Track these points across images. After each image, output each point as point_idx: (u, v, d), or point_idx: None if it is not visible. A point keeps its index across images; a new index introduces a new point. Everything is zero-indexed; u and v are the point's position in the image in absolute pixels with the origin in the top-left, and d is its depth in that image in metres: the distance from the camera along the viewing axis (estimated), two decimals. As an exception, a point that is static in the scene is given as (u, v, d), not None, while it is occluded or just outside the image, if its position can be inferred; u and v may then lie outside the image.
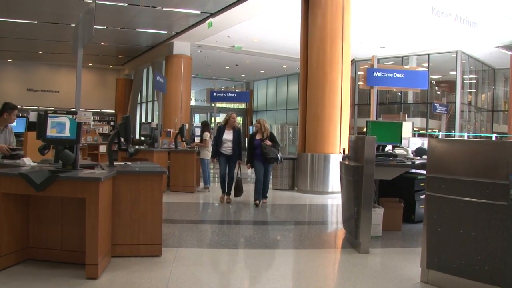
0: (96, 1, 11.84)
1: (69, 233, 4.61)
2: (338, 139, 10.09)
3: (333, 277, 4.82)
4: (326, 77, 10.14)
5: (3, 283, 4.07)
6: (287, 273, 4.82)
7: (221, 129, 8.54)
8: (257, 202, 8.35)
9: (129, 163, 6.08)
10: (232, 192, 8.65)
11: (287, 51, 18.05)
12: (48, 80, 25.24)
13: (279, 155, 8.23)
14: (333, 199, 9.57)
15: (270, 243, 5.83)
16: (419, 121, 20.34)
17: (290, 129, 22.92)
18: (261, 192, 8.41)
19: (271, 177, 8.99)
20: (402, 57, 19.75)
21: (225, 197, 8.69)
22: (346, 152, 6.18)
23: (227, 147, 8.43)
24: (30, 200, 4.70)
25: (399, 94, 20.74)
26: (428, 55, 19.12)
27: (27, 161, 5.43)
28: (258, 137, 8.33)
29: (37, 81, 25.08)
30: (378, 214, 5.91)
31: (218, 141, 8.44)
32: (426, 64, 19.38)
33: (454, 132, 18.31)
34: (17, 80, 24.76)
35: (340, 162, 6.33)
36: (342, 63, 10.13)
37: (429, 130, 19.51)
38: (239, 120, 30.75)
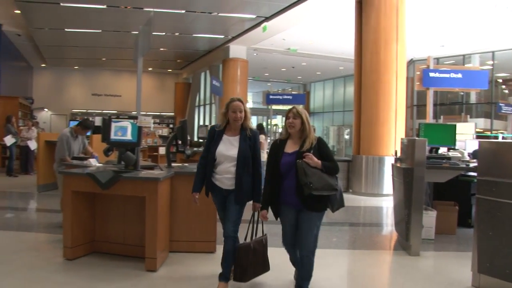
0: (156, 9, 12.46)
1: (130, 228, 4.96)
2: (393, 141, 9.98)
3: (381, 278, 4.87)
4: (380, 79, 10.07)
5: (74, 271, 4.51)
6: (338, 272, 4.94)
7: (215, 134, 4.07)
8: None
9: (186, 164, 6.42)
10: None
11: (343, 52, 17.93)
12: (111, 85, 26.41)
13: (338, 184, 3.69)
14: (387, 201, 9.48)
15: (324, 244, 5.89)
16: (482, 122, 19.53)
17: (347, 131, 22.69)
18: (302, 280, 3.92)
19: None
20: (464, 55, 19.06)
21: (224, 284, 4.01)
22: (398, 154, 6.17)
23: (226, 172, 3.95)
24: (96, 198, 5.12)
25: (461, 94, 20.04)
26: (493, 52, 18.31)
27: (93, 162, 5.89)
28: (290, 148, 3.78)
29: (101, 86, 26.31)
30: (430, 217, 5.87)
31: (208, 159, 4.03)
32: (491, 62, 18.60)
33: (522, 134, 17.45)
34: (83, 86, 26.13)
35: (392, 164, 6.33)
36: (397, 64, 10.02)
37: (494, 132, 18.70)
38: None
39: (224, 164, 3.97)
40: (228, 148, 3.97)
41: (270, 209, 3.86)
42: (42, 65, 24.54)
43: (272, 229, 3.81)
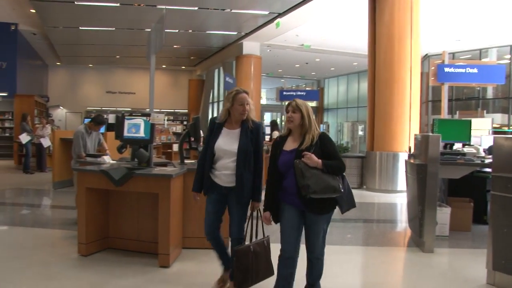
0: (168, 7, 12.51)
1: (144, 225, 5.00)
2: (407, 137, 9.89)
3: (395, 275, 4.84)
4: (394, 75, 9.98)
5: (89, 266, 4.57)
6: (351, 268, 4.93)
7: (215, 127, 3.80)
8: None
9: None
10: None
11: (357, 47, 17.81)
12: (125, 83, 26.53)
13: (341, 185, 3.29)
14: (401, 197, 9.40)
15: (338, 240, 5.89)
16: (499, 118, 19.24)
17: (361, 127, 22.54)
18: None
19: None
20: (480, 50, 18.78)
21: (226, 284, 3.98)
22: (412, 150, 6.11)
23: (225, 168, 3.68)
24: (110, 195, 5.16)
25: (478, 89, 19.76)
26: (511, 46, 18.03)
27: (107, 159, 5.95)
28: (289, 146, 3.45)
29: (115, 83, 26.45)
30: (444, 213, 5.81)
31: (206, 154, 3.76)
32: (508, 56, 18.30)
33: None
34: (97, 83, 26.35)
35: (405, 160, 6.29)
36: (411, 59, 9.91)
37: (511, 127, 18.41)
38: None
39: (223, 160, 3.67)
40: (228, 142, 3.66)
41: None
42: (57, 64, 24.80)
43: (273, 226, 3.55)
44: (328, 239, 5.37)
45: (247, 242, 3.64)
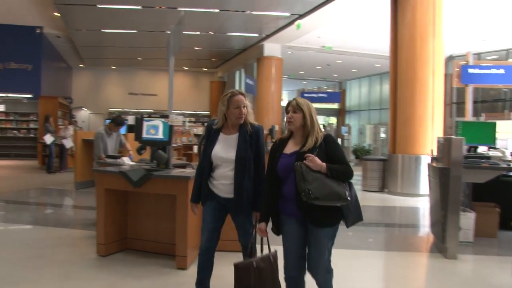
0: (189, 9, 12.57)
1: (162, 226, 5.00)
2: (430, 140, 9.70)
3: (416, 281, 4.72)
4: (417, 76, 9.81)
5: (106, 267, 4.61)
6: (372, 274, 4.82)
7: (212, 132, 3.51)
8: None
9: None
10: None
11: (379, 49, 17.60)
12: (147, 85, 26.74)
13: (347, 193, 2.86)
14: (424, 201, 9.22)
15: (358, 244, 5.80)
16: (528, 120, 18.75)
17: (383, 129, 22.27)
18: None
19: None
20: (507, 50, 18.35)
21: None
22: (434, 153, 5.98)
23: (224, 177, 3.40)
24: (128, 196, 5.18)
25: (505, 90, 19.31)
26: (540, 46, 17.57)
27: (126, 160, 5.97)
28: (290, 148, 3.10)
29: (137, 85, 26.69)
30: (468, 218, 5.65)
31: (204, 161, 3.50)
32: (539, 57, 17.84)
33: None
34: (120, 85, 26.65)
35: (428, 164, 6.15)
36: (433, 60, 9.73)
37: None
38: (327, 120, 30.29)
39: (221, 168, 3.37)
40: (225, 149, 3.37)
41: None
42: (81, 66, 25.21)
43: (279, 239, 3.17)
44: (349, 243, 5.29)
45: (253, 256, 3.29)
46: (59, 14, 14.56)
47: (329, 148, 2.97)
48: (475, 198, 6.49)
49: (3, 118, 18.14)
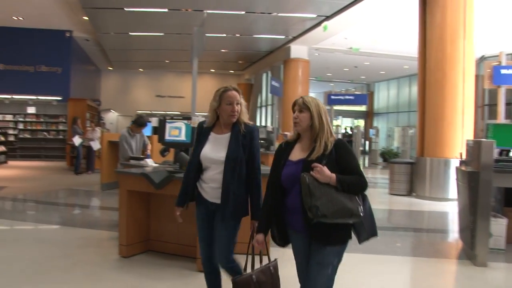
0: (215, 11, 12.60)
1: (184, 228, 4.96)
2: (460, 143, 9.45)
3: (444, 289, 4.56)
4: (446, 78, 9.57)
5: (128, 268, 4.63)
6: (398, 280, 4.69)
7: (202, 132, 3.25)
8: None
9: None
10: None
11: (408, 50, 17.29)
12: (174, 87, 26.97)
13: (360, 208, 2.49)
14: (453, 206, 8.99)
15: (385, 249, 5.67)
16: None
17: (412, 131, 21.85)
18: None
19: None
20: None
21: None
22: (463, 156, 5.78)
23: (212, 180, 3.11)
24: (151, 197, 5.18)
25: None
26: None
27: (150, 162, 5.99)
28: (296, 155, 2.71)
29: (164, 88, 26.96)
30: (500, 225, 5.44)
31: (192, 163, 3.21)
32: None
33: None
34: (147, 88, 26.97)
35: (456, 167, 5.96)
36: (464, 61, 9.47)
37: None
38: (355, 123, 29.92)
39: (210, 170, 3.08)
40: (215, 149, 3.08)
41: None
42: (109, 68, 25.65)
43: (285, 252, 2.94)
44: (375, 248, 5.17)
45: (249, 270, 2.97)
46: (87, 18, 14.83)
47: (340, 155, 2.59)
48: (507, 203, 6.25)
49: (34, 120, 18.58)
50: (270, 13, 13.70)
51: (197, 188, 3.16)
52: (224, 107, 3.06)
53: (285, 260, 3.29)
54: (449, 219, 8.27)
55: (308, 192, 2.44)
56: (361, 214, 2.46)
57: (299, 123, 2.65)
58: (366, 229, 2.58)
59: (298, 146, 2.72)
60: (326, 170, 2.46)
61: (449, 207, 9.01)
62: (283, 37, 17.09)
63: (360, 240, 2.63)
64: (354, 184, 2.50)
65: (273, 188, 2.72)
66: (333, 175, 2.47)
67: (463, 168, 5.50)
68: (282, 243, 2.77)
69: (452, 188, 9.41)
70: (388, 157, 18.44)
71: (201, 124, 3.26)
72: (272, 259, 3.03)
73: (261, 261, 3.00)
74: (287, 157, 2.70)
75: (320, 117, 2.62)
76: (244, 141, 3.06)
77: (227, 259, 3.07)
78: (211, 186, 3.08)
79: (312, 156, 2.56)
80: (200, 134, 3.22)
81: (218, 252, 3.10)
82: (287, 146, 2.75)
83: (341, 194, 2.46)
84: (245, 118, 3.13)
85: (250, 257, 3.01)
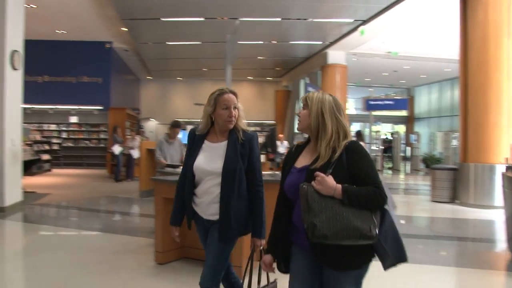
0: (252, 18, 12.64)
1: (218, 236, 4.94)
2: (505, 147, 9.06)
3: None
4: (490, 79, 9.24)
5: (163, 275, 4.66)
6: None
7: (195, 141, 2.89)
8: None
9: (277, 172, 6.30)
10: None
11: (449, 53, 16.84)
12: (212, 95, 27.18)
13: (374, 228, 1.99)
14: (499, 214, 8.60)
15: (427, 259, 5.46)
16: None
17: (454, 135, 21.21)
18: None
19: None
20: None
21: None
22: (510, 162, 5.52)
23: (207, 194, 2.74)
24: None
25: None
26: None
27: (185, 169, 5.99)
28: (302, 161, 2.29)
29: (203, 96, 26.50)
30: (551, 233, 5.16)
31: (185, 176, 2.86)
32: None
33: None
34: (186, 96, 27.28)
35: (502, 173, 5.69)
36: (508, 63, 9.12)
37: None
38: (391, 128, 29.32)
39: (205, 183, 2.72)
40: (210, 159, 2.72)
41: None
42: (148, 78, 26.15)
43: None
44: (417, 257, 4.98)
45: None
46: (126, 29, 15.17)
47: (353, 160, 2.11)
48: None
49: (76, 129, 19.20)
50: (305, 19, 13.61)
51: (191, 205, 2.80)
52: (220, 112, 2.75)
53: (285, 281, 3.08)
54: (495, 228, 7.92)
55: (306, 206, 2.02)
56: (374, 235, 1.99)
57: (299, 122, 2.30)
58: (390, 253, 2.08)
59: (307, 150, 2.32)
60: (329, 180, 2.03)
61: (495, 215, 8.62)
62: (320, 42, 16.95)
63: (385, 266, 2.13)
64: (366, 197, 2.02)
65: (279, 201, 2.36)
66: (338, 185, 2.02)
67: (509, 174, 5.25)
68: (284, 269, 2.34)
69: (498, 195, 9.02)
70: (430, 163, 17.98)
71: (193, 131, 2.91)
72: (271, 279, 2.71)
73: (259, 282, 2.66)
74: (292, 163, 2.31)
75: (322, 116, 2.20)
76: (243, 151, 2.72)
77: (212, 282, 2.73)
78: (205, 201, 2.73)
79: (317, 164, 2.14)
80: (192, 143, 2.86)
81: (205, 271, 2.74)
82: (296, 150, 2.37)
83: (349, 209, 2.00)
84: (243, 124, 2.82)
85: (247, 277, 2.73)
